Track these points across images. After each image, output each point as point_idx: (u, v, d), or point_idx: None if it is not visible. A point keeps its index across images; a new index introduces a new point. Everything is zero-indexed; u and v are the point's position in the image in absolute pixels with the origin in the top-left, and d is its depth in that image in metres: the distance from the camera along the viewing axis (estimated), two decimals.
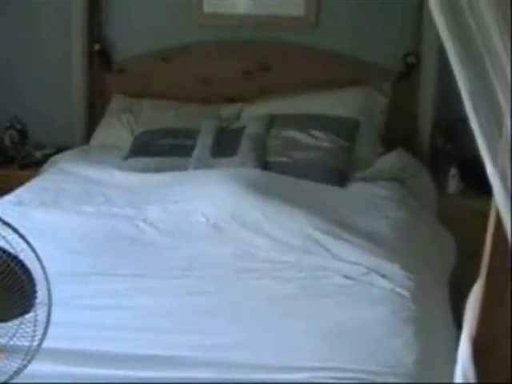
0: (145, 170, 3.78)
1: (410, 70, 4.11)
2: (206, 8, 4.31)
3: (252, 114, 4.06)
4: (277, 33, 4.24)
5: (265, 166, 3.72)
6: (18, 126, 4.47)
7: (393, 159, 3.80)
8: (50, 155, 4.23)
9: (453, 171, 3.84)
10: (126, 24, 4.45)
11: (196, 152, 3.83)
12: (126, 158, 3.98)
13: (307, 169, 3.68)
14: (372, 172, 3.69)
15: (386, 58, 4.17)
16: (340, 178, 3.64)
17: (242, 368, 2.07)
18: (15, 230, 1.62)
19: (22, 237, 1.61)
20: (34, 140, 4.46)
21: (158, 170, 3.77)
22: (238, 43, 4.27)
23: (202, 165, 3.74)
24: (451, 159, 3.90)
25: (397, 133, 3.97)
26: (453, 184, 3.85)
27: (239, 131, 3.89)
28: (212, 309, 2.43)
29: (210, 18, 4.31)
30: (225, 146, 3.83)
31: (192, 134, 3.92)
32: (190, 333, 2.27)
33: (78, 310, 2.37)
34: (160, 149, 3.93)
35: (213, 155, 3.79)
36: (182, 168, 3.75)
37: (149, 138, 4.03)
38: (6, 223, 1.62)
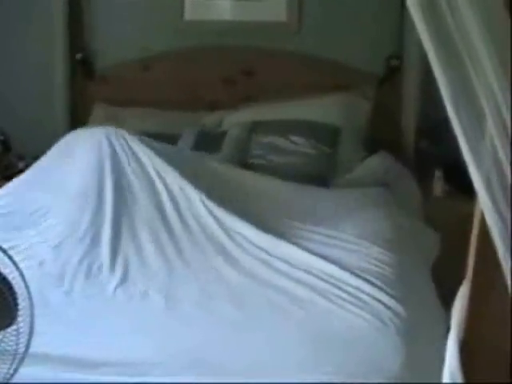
0: None
1: (393, 73, 4.12)
2: (187, 15, 4.32)
3: (234, 121, 4.07)
4: (259, 39, 4.24)
5: (245, 167, 3.76)
6: (0, 137, 4.45)
7: (375, 163, 3.81)
8: None
9: (437, 174, 3.84)
10: (108, 32, 4.44)
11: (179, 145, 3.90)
12: None
13: (286, 173, 3.69)
14: (353, 177, 3.70)
15: (369, 61, 4.19)
16: (319, 182, 3.65)
17: (233, 372, 2.07)
18: None
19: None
20: (16, 150, 4.44)
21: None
22: (220, 50, 4.26)
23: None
24: (436, 162, 3.90)
25: (381, 136, 3.97)
26: (438, 186, 3.84)
27: (221, 135, 3.94)
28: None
29: (191, 25, 4.32)
30: (206, 146, 3.88)
31: (173, 139, 3.93)
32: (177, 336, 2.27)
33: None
34: None
35: (195, 149, 3.87)
36: None
37: None
38: None
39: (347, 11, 4.18)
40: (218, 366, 2.11)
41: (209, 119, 4.17)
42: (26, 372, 1.74)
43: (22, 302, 1.58)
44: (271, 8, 4.25)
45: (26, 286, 1.56)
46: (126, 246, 2.91)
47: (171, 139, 3.91)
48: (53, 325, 2.12)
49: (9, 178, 4.15)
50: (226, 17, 4.34)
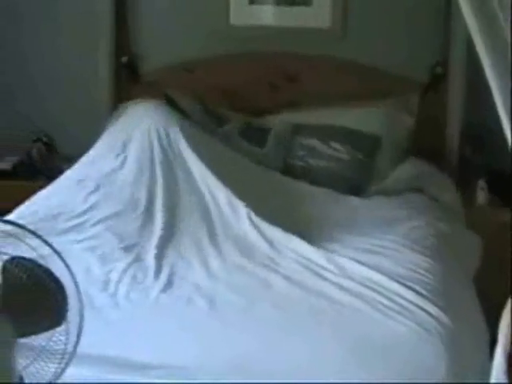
0: None
1: (437, 81, 4.10)
2: (233, 20, 4.33)
3: (276, 121, 4.09)
4: (303, 44, 4.23)
5: (286, 166, 3.83)
6: (45, 139, 4.51)
7: (407, 169, 3.81)
8: None
9: (481, 183, 3.81)
10: (153, 36, 4.46)
11: (225, 129, 3.98)
12: None
13: (323, 176, 3.74)
14: (387, 184, 3.70)
15: (414, 69, 4.17)
16: (354, 188, 3.67)
17: (275, 376, 2.10)
18: (45, 242, 1.63)
19: (52, 248, 1.61)
20: (62, 153, 4.49)
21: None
22: (263, 55, 4.26)
23: (230, 142, 3.89)
24: (480, 171, 3.88)
25: (424, 144, 3.95)
26: (481, 196, 3.82)
27: (266, 130, 4.00)
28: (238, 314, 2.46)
29: (236, 30, 4.32)
30: (252, 137, 3.96)
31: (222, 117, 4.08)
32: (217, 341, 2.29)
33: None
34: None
35: (241, 137, 3.94)
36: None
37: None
38: (36, 235, 1.63)
39: (392, 18, 4.17)
40: (261, 371, 2.13)
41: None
42: (71, 372, 1.76)
43: (72, 303, 1.60)
44: (316, 14, 4.25)
45: (77, 286, 1.58)
46: (172, 257, 2.93)
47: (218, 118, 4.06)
48: (98, 326, 2.14)
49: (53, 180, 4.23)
50: (271, 22, 4.34)
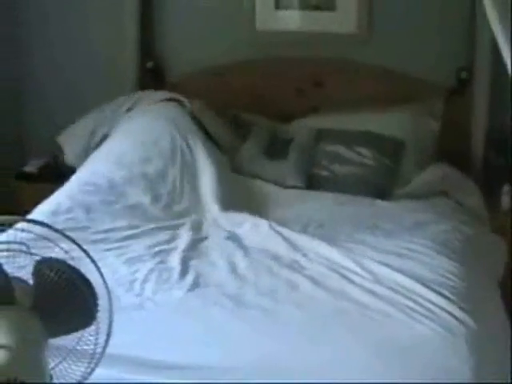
0: None
1: (463, 86, 4.09)
2: (259, 25, 4.34)
3: (301, 127, 4.08)
4: (329, 49, 4.24)
5: (309, 178, 3.81)
6: None
7: (431, 173, 3.80)
8: None
9: (506, 188, 3.80)
10: (179, 41, 4.48)
11: (249, 146, 3.98)
12: None
13: (347, 183, 3.74)
14: (411, 188, 3.70)
15: (439, 73, 4.16)
16: (380, 193, 3.67)
17: (299, 378, 2.10)
18: (75, 242, 1.65)
19: (82, 249, 1.64)
20: None
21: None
22: (290, 60, 4.27)
23: (253, 162, 3.89)
24: (504, 175, 3.87)
25: (449, 149, 3.94)
26: (506, 201, 3.81)
27: (288, 141, 3.97)
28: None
29: (262, 35, 4.34)
30: (276, 149, 3.95)
31: (246, 127, 4.09)
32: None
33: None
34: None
35: (264, 154, 3.93)
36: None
37: None
38: (67, 236, 1.65)
39: (417, 23, 4.17)
40: (285, 372, 2.14)
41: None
42: (97, 372, 1.77)
43: (101, 304, 1.62)
44: (341, 19, 4.25)
45: (107, 287, 1.60)
46: (198, 258, 2.96)
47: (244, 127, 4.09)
48: (123, 327, 2.15)
49: None
50: (296, 27, 4.35)
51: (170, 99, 4.16)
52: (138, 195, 3.52)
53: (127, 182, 3.59)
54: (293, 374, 2.13)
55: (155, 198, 3.53)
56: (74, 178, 3.67)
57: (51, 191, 3.59)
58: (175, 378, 2.13)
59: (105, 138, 4.09)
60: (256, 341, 2.32)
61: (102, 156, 3.84)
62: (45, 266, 1.58)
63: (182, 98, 4.14)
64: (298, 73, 4.26)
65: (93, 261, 1.60)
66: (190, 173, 3.70)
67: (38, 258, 1.61)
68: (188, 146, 3.81)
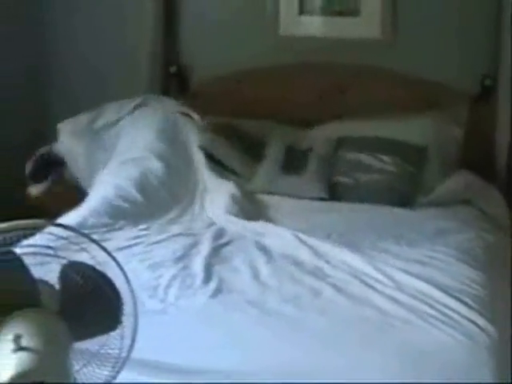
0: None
1: (487, 93, 4.08)
2: (282, 30, 4.35)
3: (321, 135, 4.08)
4: (352, 55, 4.24)
5: (330, 187, 3.79)
6: None
7: (454, 181, 3.78)
8: None
9: None
10: (203, 46, 4.50)
11: (266, 165, 3.94)
12: None
13: (370, 190, 3.73)
14: (435, 195, 3.68)
15: (463, 80, 4.16)
16: (403, 200, 3.66)
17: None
18: (101, 247, 1.65)
19: (108, 253, 1.64)
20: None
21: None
22: (313, 66, 4.27)
23: (270, 180, 3.87)
24: None
25: (473, 156, 3.94)
26: None
27: (306, 152, 3.95)
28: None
29: (285, 41, 4.35)
30: (293, 164, 3.91)
31: (262, 144, 4.06)
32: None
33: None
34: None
35: (282, 171, 3.89)
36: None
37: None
38: (92, 240, 1.66)
39: (442, 29, 4.17)
40: (305, 378, 2.12)
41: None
42: (121, 376, 1.77)
43: (126, 308, 1.62)
44: (365, 25, 4.26)
45: (131, 291, 1.61)
46: (221, 264, 2.97)
47: (260, 143, 4.04)
48: (147, 332, 2.16)
49: None
50: (320, 33, 4.36)
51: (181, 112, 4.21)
52: (161, 204, 3.61)
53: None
54: (312, 379, 2.12)
55: (177, 206, 3.62)
56: (102, 185, 3.74)
57: None
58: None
59: (105, 128, 4.14)
60: (277, 346, 2.31)
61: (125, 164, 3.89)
62: (72, 270, 1.58)
63: (192, 114, 4.18)
64: (320, 79, 4.25)
65: (119, 265, 1.61)
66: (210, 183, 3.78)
67: (64, 261, 1.61)
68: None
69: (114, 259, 1.63)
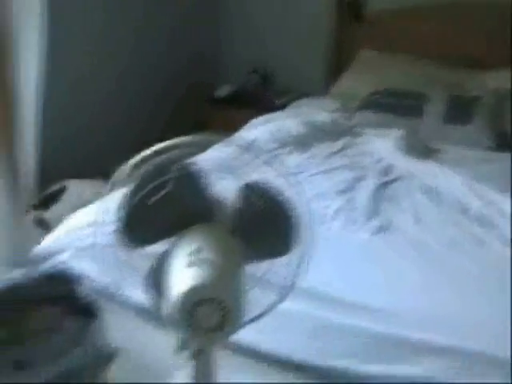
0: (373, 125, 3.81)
1: None
2: None
3: (485, 85, 3.94)
4: None
5: (500, 137, 3.65)
6: (262, 71, 4.57)
7: None
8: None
9: None
10: None
11: (427, 118, 3.82)
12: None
13: None
14: None
15: None
16: None
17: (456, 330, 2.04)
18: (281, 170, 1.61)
19: (286, 178, 1.60)
20: (277, 87, 4.53)
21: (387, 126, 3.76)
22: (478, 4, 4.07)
23: (433, 132, 3.73)
24: None
25: None
26: None
27: (473, 100, 3.83)
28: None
29: None
30: (457, 113, 3.78)
31: (421, 98, 3.91)
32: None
33: None
34: (388, 107, 3.94)
35: (445, 122, 3.77)
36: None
37: (378, 97, 4.04)
38: (269, 161, 1.62)
39: None
40: (452, 325, 2.06)
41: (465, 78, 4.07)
42: (286, 306, 1.74)
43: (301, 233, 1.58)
44: None
45: (310, 219, 1.56)
46: (385, 205, 2.91)
47: (419, 99, 3.91)
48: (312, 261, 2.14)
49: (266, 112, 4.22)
50: None
51: None
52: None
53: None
54: (458, 327, 2.05)
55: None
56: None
57: (240, 116, 3.63)
58: (346, 317, 2.10)
59: None
60: (430, 290, 2.24)
61: None
62: (251, 190, 1.56)
63: None
64: (489, 18, 4.06)
65: (298, 191, 1.56)
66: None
67: (240, 180, 1.58)
68: None
69: (295, 184, 1.58)
